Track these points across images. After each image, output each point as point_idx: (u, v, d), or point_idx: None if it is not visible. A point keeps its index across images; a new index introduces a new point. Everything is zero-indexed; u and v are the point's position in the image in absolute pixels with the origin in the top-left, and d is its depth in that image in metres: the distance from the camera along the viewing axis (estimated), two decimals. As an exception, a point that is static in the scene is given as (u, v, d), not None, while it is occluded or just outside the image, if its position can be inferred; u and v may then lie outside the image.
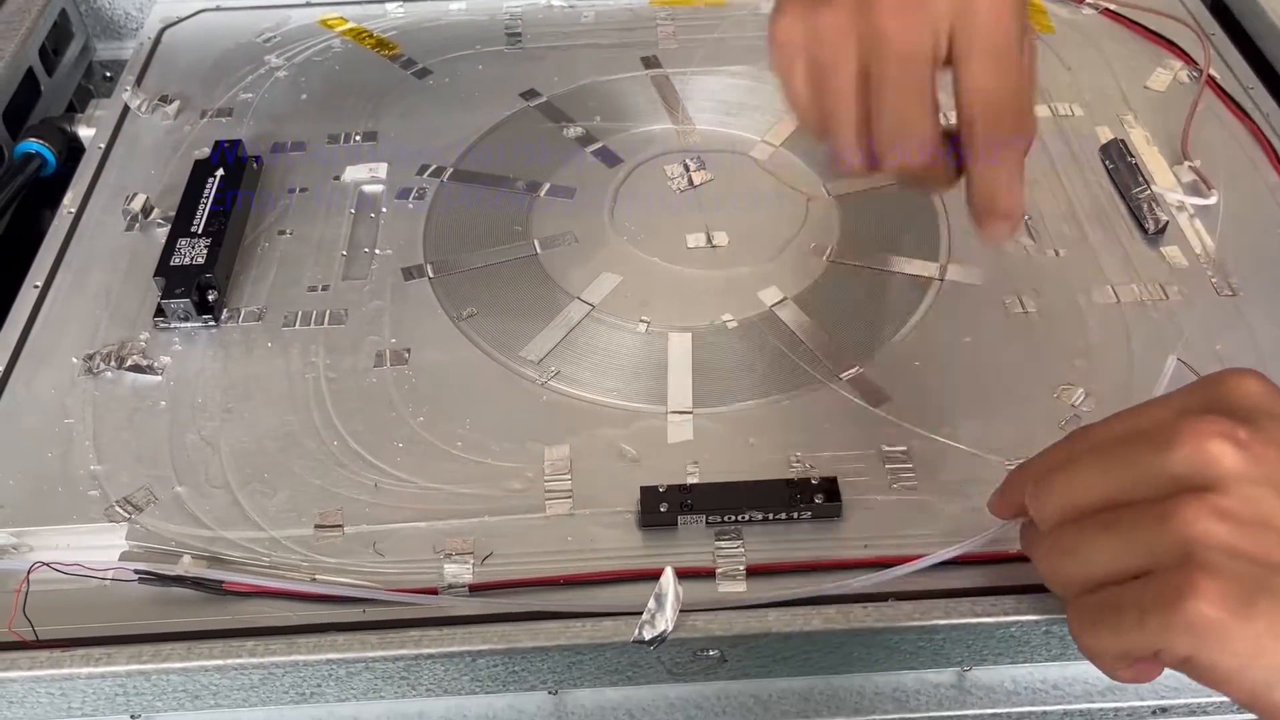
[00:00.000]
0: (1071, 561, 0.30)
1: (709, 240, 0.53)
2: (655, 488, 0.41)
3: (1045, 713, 0.40)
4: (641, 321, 0.49)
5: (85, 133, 0.60)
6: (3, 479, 0.43)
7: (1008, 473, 0.36)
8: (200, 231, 0.51)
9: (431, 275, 0.52)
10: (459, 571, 0.39)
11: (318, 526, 0.41)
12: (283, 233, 0.54)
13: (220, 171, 0.54)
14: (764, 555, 0.40)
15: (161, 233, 0.53)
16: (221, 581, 0.38)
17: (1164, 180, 0.54)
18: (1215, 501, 0.27)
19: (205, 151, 0.56)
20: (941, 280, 0.51)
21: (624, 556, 0.40)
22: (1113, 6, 0.65)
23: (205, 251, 0.50)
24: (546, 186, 0.56)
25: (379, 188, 0.56)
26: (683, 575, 0.37)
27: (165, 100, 0.61)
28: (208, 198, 0.52)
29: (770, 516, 0.40)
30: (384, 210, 0.55)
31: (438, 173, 0.57)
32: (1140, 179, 0.53)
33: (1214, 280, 0.50)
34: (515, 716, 0.40)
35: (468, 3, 0.68)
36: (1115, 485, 0.29)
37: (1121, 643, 0.28)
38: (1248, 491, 0.27)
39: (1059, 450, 0.33)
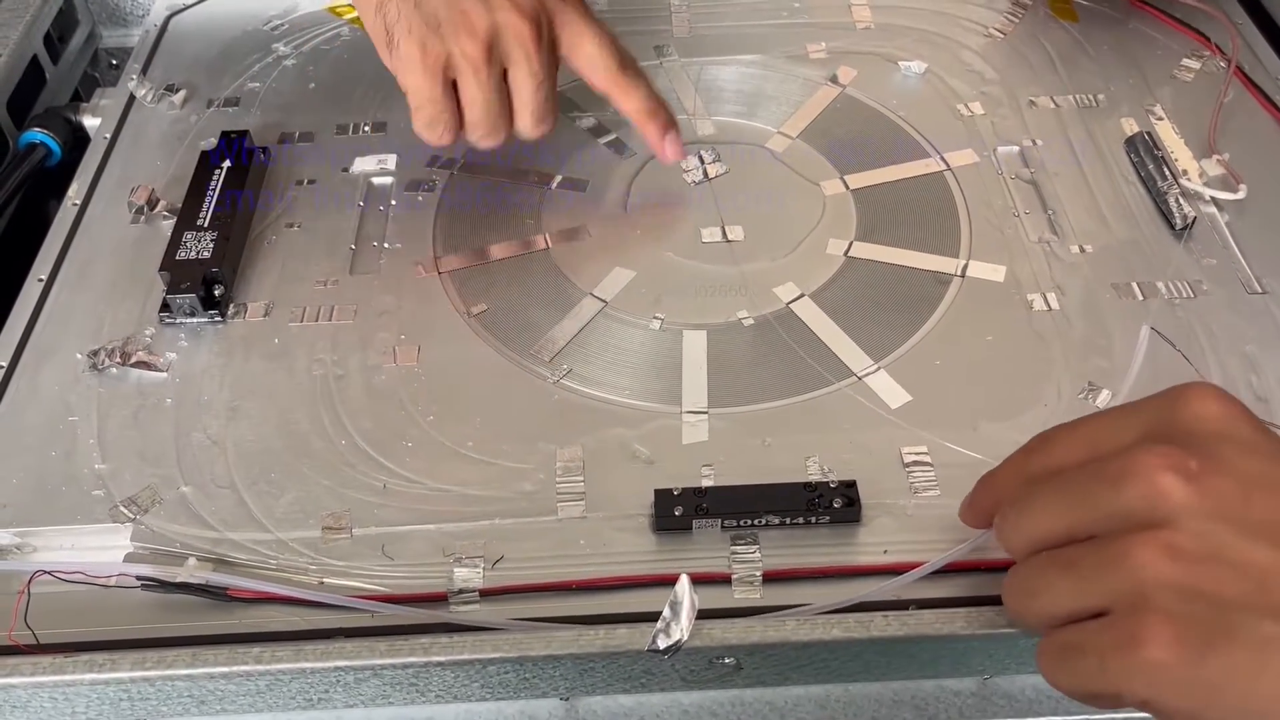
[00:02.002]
0: (1035, 602, 0.30)
1: (724, 235, 0.52)
2: (669, 490, 0.40)
3: (1068, 723, 0.40)
4: (655, 318, 0.48)
5: (90, 122, 0.60)
6: (6, 478, 0.42)
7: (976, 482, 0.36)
8: (206, 225, 0.50)
9: (441, 270, 0.51)
10: (469, 575, 0.39)
11: (325, 528, 0.40)
12: (290, 226, 0.53)
13: (227, 164, 0.53)
14: (781, 561, 0.39)
15: (167, 225, 0.52)
16: (226, 588, 0.37)
17: (1192, 174, 0.53)
18: (1167, 540, 0.26)
19: (212, 142, 0.55)
20: (963, 277, 0.49)
21: (638, 561, 0.39)
22: (1138, -6, 0.64)
23: (211, 245, 0.49)
24: (558, 179, 0.55)
25: (388, 180, 0.55)
26: (698, 581, 0.36)
27: (171, 90, 0.61)
28: (214, 190, 0.52)
29: (787, 521, 0.39)
30: (393, 203, 0.54)
31: (447, 164, 0.56)
32: (1167, 173, 0.52)
33: (1243, 278, 0.48)
34: (526, 723, 0.39)
35: (478, -10, 0.67)
36: (1073, 521, 0.29)
37: (1085, 684, 0.28)
38: (1198, 527, 0.26)
39: (1021, 468, 0.33)
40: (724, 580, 0.38)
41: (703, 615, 0.35)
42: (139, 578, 0.38)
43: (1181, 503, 0.27)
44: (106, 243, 0.52)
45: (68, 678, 0.35)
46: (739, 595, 0.38)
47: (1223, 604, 0.26)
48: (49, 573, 0.37)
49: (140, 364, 0.46)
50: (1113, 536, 0.28)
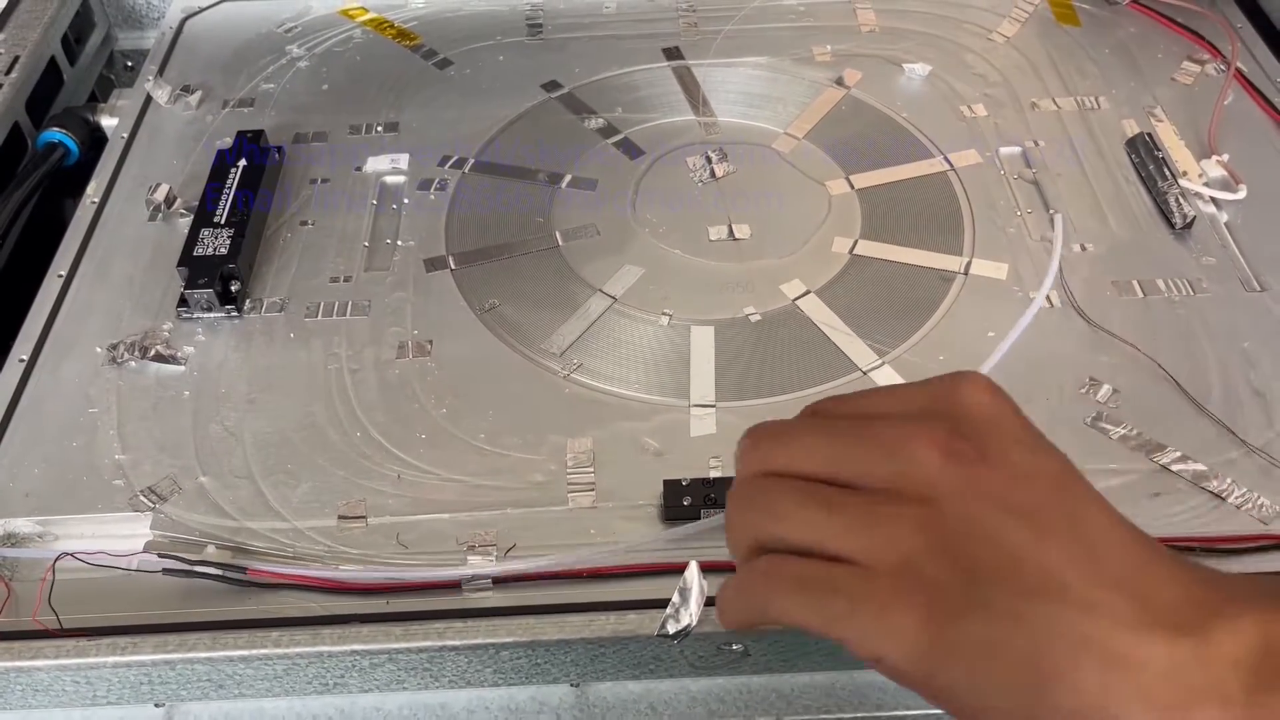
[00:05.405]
0: (776, 524, 0.29)
1: (731, 233, 0.53)
2: (678, 481, 0.41)
3: (1069, 710, 0.40)
4: (664, 314, 0.49)
5: (108, 122, 0.61)
6: (28, 468, 0.43)
7: None
8: (223, 222, 0.51)
9: (454, 267, 0.52)
10: (482, 563, 0.39)
11: (341, 518, 0.41)
12: (305, 223, 0.54)
13: (242, 163, 0.54)
14: (787, 550, 0.39)
15: (184, 223, 0.53)
16: (245, 569, 0.38)
17: (1192, 175, 0.53)
18: (933, 516, 0.27)
19: (227, 142, 0.56)
20: (966, 274, 0.50)
21: (647, 550, 0.40)
22: (1139, -1, 0.65)
23: (228, 242, 0.50)
24: (568, 178, 0.56)
25: (400, 179, 0.56)
26: (706, 569, 0.36)
27: (187, 90, 0.62)
28: (230, 188, 0.52)
29: (794, 511, 0.40)
30: (406, 201, 0.55)
31: (459, 164, 0.57)
32: (1167, 173, 0.53)
33: (1241, 276, 0.49)
34: (537, 708, 0.40)
35: (489, -7, 0.68)
36: (836, 467, 0.29)
37: (824, 623, 0.28)
38: (963, 508, 0.27)
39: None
40: (732, 569, 0.39)
41: (711, 602, 0.36)
42: (161, 559, 0.38)
43: (950, 486, 0.27)
44: (125, 239, 0.53)
45: (90, 660, 0.36)
46: (746, 583, 0.39)
47: (977, 578, 0.26)
48: (73, 554, 0.38)
49: (159, 357, 0.47)
50: (880, 496, 0.28)
